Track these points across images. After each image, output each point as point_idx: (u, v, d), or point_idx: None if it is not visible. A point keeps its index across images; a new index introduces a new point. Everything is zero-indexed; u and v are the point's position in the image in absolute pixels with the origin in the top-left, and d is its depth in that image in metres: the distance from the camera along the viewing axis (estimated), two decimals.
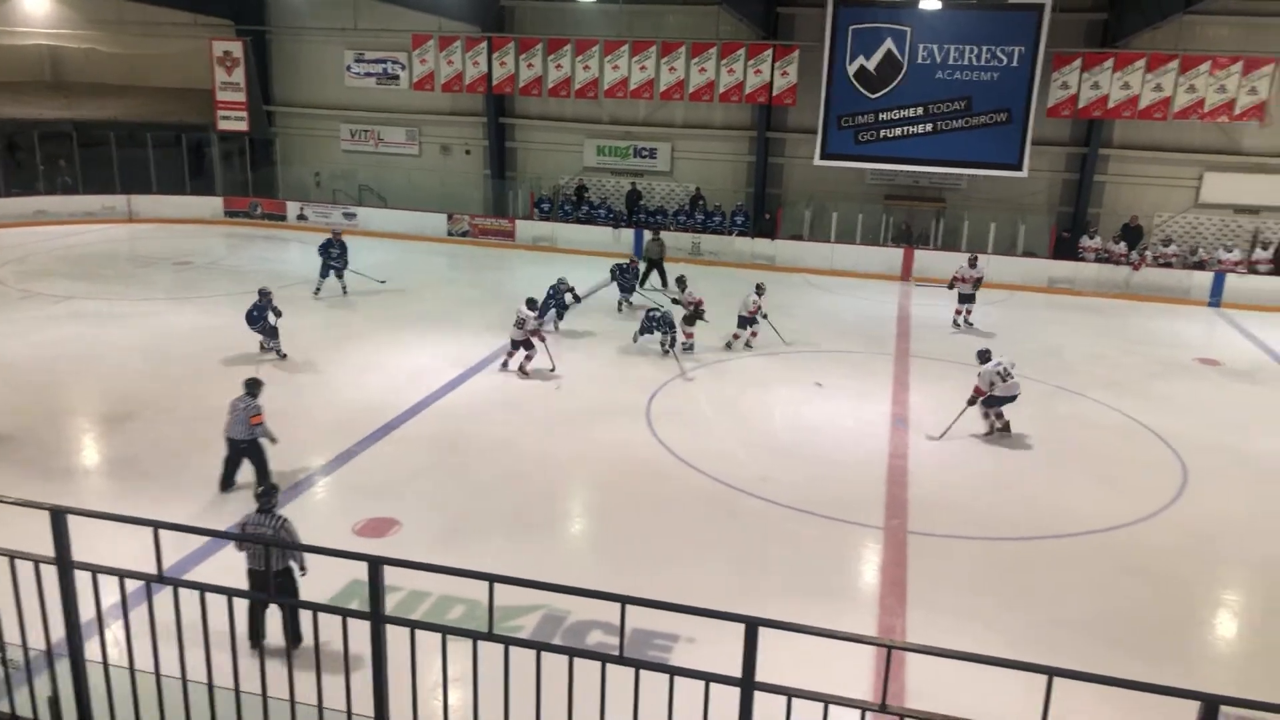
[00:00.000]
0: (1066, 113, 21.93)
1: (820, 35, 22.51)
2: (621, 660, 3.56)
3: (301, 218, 26.55)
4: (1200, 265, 21.80)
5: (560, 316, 16.78)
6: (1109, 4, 21.86)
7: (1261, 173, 21.99)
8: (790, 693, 3.37)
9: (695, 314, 15.94)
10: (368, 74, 27.02)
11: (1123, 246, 22.15)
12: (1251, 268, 21.54)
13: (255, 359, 14.44)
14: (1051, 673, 3.11)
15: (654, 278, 20.70)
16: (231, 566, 6.84)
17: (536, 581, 3.63)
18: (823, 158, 23.51)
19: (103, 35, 27.08)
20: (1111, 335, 18.46)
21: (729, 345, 16.12)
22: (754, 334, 16.27)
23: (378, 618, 3.71)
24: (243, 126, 27.10)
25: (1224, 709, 2.97)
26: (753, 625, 3.34)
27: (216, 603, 3.85)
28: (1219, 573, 9.47)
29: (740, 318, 16.13)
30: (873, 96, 22.76)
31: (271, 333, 14.62)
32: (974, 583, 8.80)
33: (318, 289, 18.59)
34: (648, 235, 22.22)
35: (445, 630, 3.72)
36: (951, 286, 18.46)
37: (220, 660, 3.99)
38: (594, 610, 7.42)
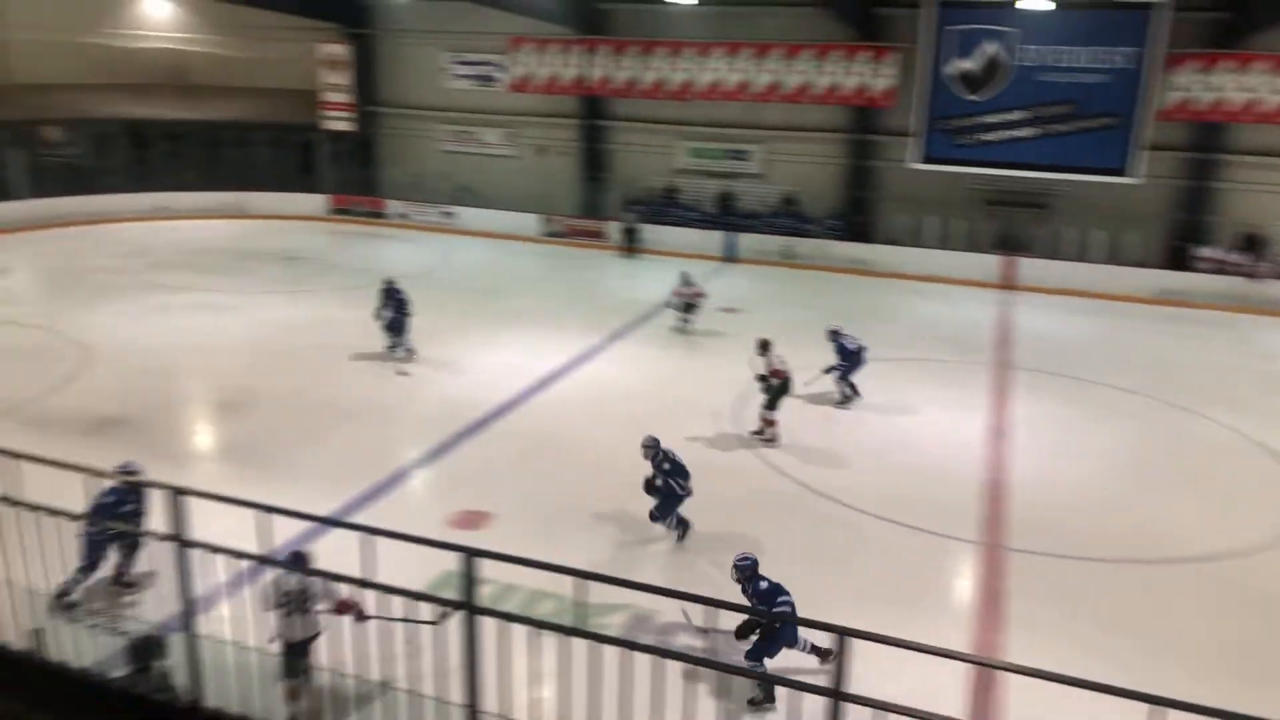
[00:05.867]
0: (1180, 116, 20.95)
1: (919, 37, 22.06)
2: (708, 663, 3.54)
3: (402, 216, 27.31)
4: None
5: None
6: (1230, 3, 20.78)
7: None
8: (881, 706, 3.30)
9: (779, 389, 12.06)
10: (466, 76, 27.59)
11: (1243, 256, 21.04)
12: None
13: (368, 354, 14.89)
14: (1157, 702, 2.97)
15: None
16: (334, 551, 7.04)
17: (626, 580, 3.65)
18: (920, 161, 23.04)
19: (222, 39, 28.37)
20: (1229, 349, 17.57)
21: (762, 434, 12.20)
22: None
23: (471, 608, 3.77)
24: (347, 127, 28.02)
25: None
26: (843, 635, 3.29)
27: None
28: None
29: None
30: (974, 99, 22.18)
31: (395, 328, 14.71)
32: (1076, 605, 8.47)
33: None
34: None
35: (536, 624, 3.76)
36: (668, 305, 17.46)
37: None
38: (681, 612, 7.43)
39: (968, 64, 22.01)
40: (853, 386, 13.60)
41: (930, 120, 22.66)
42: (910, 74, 22.41)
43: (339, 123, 28.01)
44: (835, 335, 13.55)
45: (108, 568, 7.53)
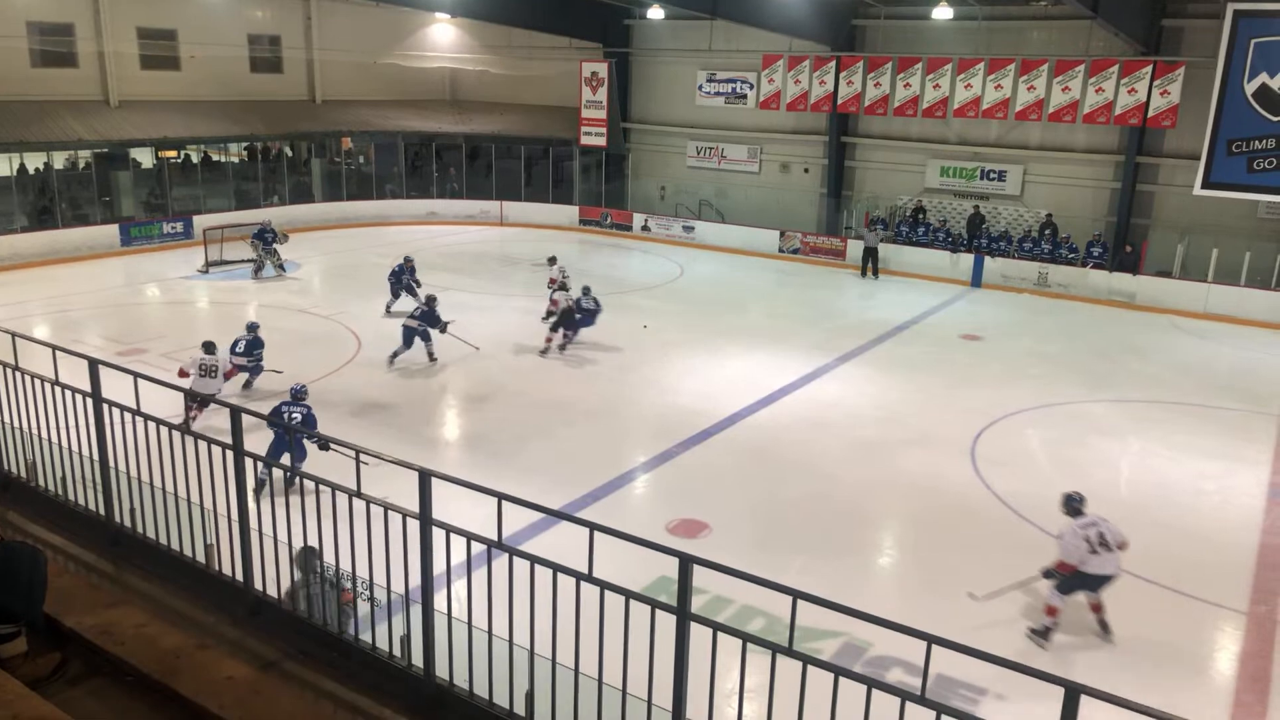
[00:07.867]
0: None
1: (1212, 50, 19.98)
2: (922, 701, 3.41)
3: (645, 229, 28.19)
4: None
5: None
6: None
7: None
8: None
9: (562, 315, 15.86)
10: (717, 93, 28.07)
11: None
12: None
13: (607, 358, 15.55)
14: None
15: None
16: (557, 545, 7.41)
17: (841, 605, 3.58)
18: (1204, 186, 20.83)
19: (493, 59, 30.63)
20: None
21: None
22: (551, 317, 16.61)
23: (684, 614, 3.85)
24: (601, 142, 29.29)
25: None
26: (1074, 691, 3.07)
27: (543, 574, 4.19)
28: None
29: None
30: (1275, 119, 19.82)
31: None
32: None
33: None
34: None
35: (747, 638, 3.77)
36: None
37: (542, 627, 4.34)
38: (897, 647, 7.17)
39: (1270, 80, 19.70)
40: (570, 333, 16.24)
41: (1220, 142, 20.48)
42: (1196, 91, 20.40)
43: (593, 138, 29.35)
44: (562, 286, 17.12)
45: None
